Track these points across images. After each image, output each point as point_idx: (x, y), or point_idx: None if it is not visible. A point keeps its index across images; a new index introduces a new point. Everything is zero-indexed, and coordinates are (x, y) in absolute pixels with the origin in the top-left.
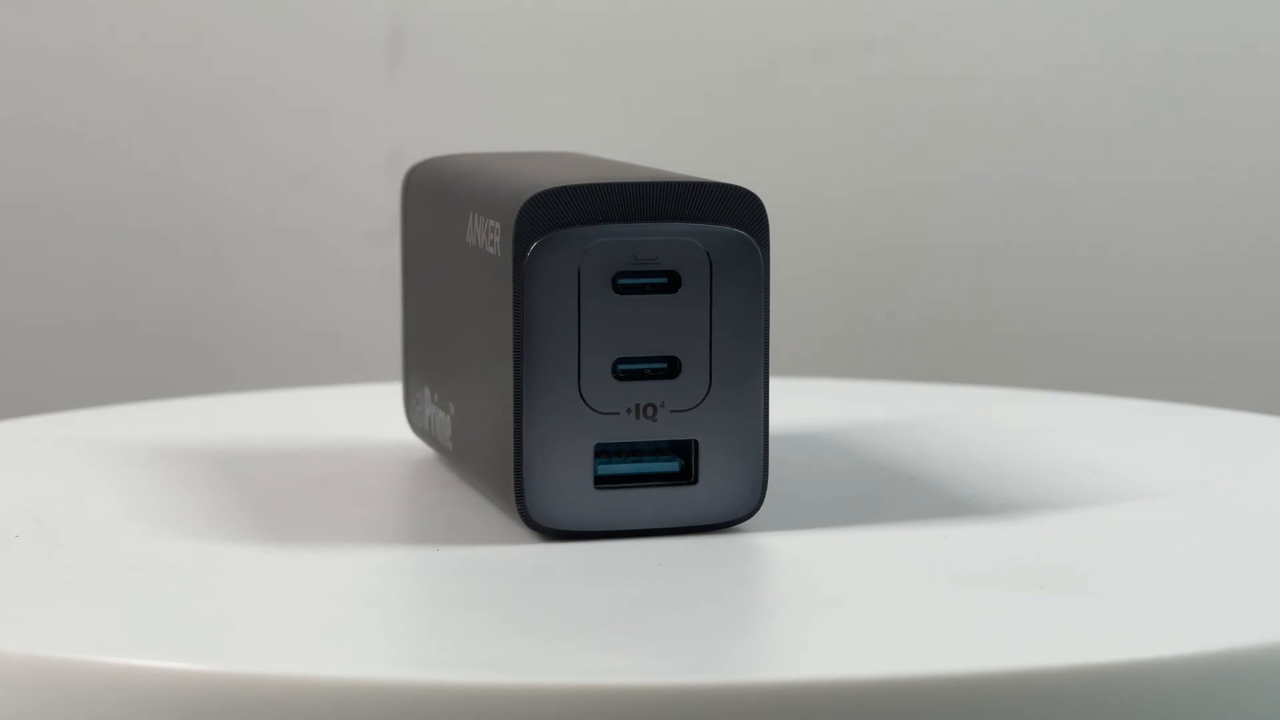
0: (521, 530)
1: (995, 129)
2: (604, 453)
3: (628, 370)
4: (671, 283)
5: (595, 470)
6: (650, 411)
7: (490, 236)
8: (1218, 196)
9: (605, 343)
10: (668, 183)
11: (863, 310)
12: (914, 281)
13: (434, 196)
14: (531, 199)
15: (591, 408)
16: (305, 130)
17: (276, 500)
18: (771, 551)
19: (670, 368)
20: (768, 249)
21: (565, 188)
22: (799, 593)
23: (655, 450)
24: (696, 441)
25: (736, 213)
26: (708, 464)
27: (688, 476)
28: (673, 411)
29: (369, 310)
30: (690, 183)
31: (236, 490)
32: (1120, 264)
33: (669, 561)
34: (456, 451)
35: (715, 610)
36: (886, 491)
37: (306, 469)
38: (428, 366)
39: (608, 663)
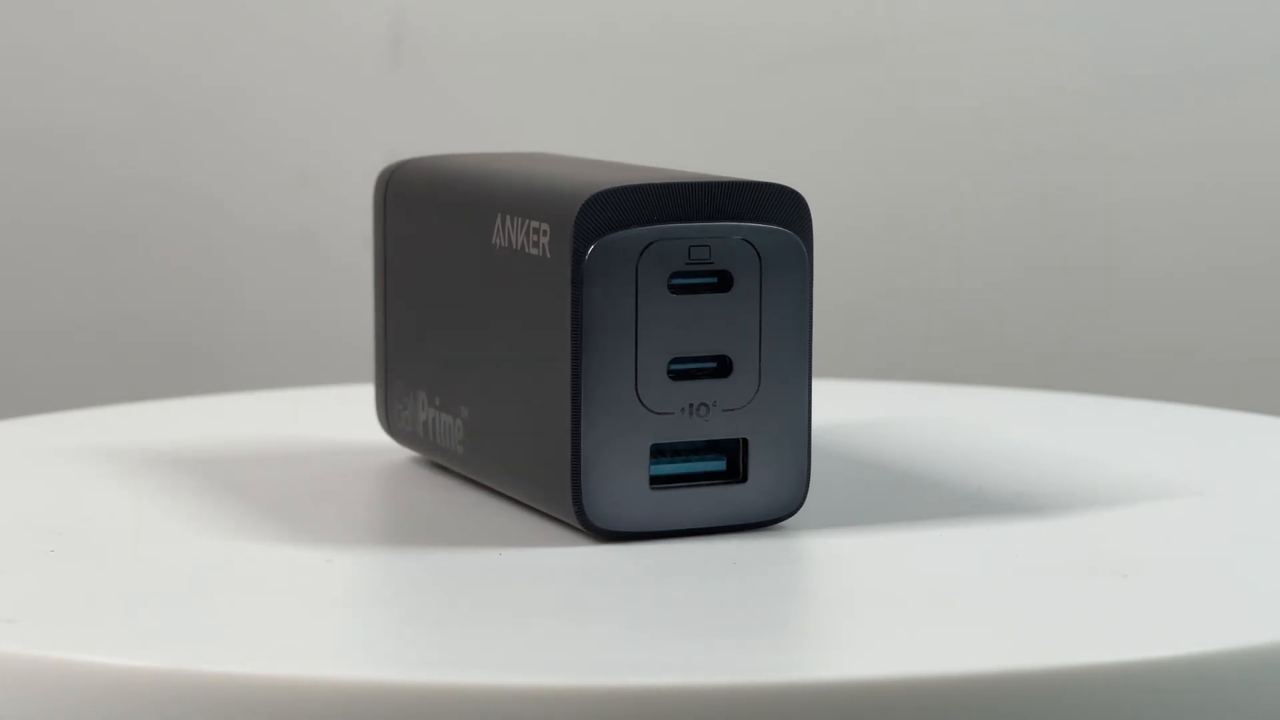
0: (562, 531)
1: (997, 136)
2: (657, 453)
3: (681, 370)
4: (724, 282)
5: (650, 471)
6: (703, 411)
7: (533, 238)
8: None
9: (660, 343)
10: (719, 182)
11: (869, 308)
12: (922, 281)
13: (429, 199)
14: (590, 200)
15: (648, 408)
16: (305, 130)
17: (291, 502)
18: (820, 550)
19: (721, 367)
20: (812, 248)
21: (623, 188)
22: (857, 590)
23: (698, 449)
24: (746, 440)
25: (782, 212)
26: (756, 462)
27: (735, 475)
28: (724, 410)
29: (369, 311)
30: (740, 182)
31: (241, 492)
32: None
33: (727, 560)
34: (469, 456)
35: (783, 608)
36: (924, 489)
37: (311, 470)
38: (422, 371)
39: (694, 661)
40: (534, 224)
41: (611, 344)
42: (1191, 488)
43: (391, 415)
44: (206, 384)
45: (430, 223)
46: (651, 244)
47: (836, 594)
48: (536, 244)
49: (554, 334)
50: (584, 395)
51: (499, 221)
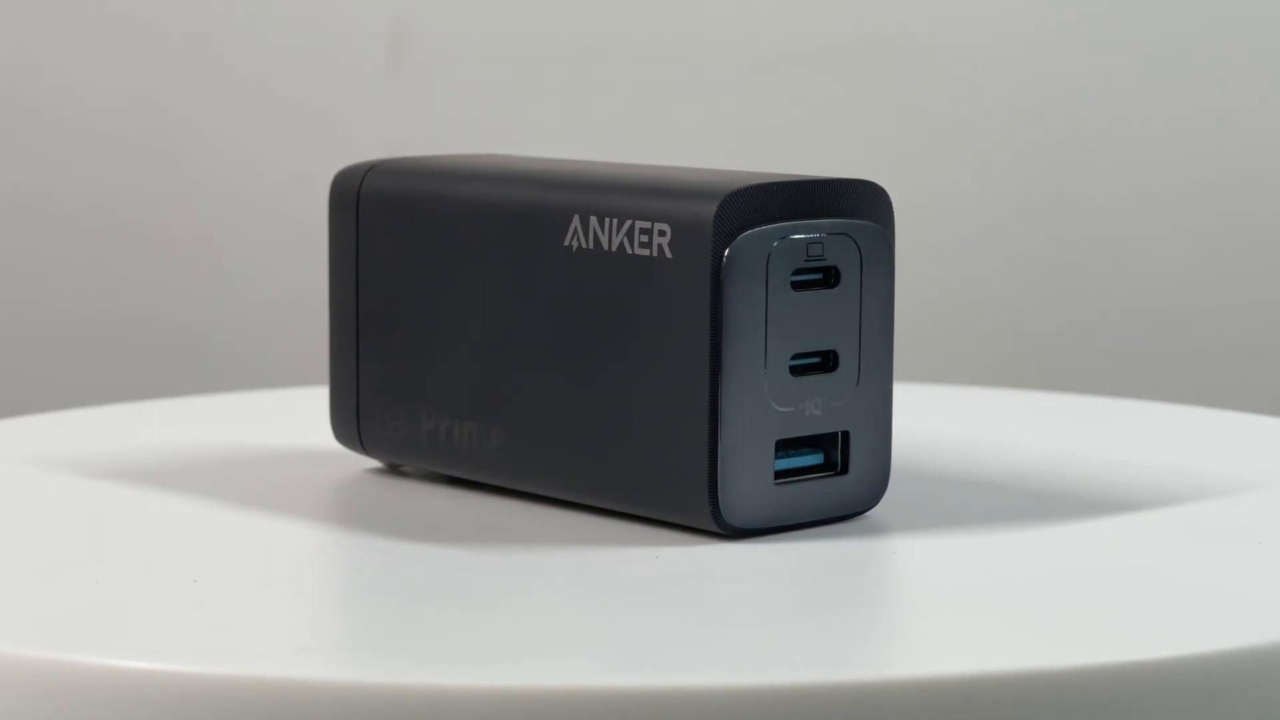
0: (662, 531)
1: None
2: (777, 449)
3: (798, 365)
4: (832, 278)
5: (775, 467)
6: (816, 405)
7: (641, 238)
8: None
9: (784, 340)
10: (825, 180)
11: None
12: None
13: (436, 203)
14: (727, 198)
15: (775, 405)
16: (305, 130)
17: (293, 503)
18: (905, 547)
19: (827, 361)
20: (894, 241)
21: (754, 187)
22: (946, 588)
23: (797, 444)
24: (848, 432)
25: (871, 206)
26: (856, 454)
27: (833, 467)
28: (830, 404)
29: None
30: (839, 180)
31: (243, 492)
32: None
33: (833, 556)
34: (512, 462)
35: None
36: (1004, 491)
37: (317, 472)
38: (430, 380)
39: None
40: (643, 224)
41: (746, 342)
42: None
43: (366, 427)
44: (206, 384)
45: (443, 227)
46: (778, 242)
47: (928, 590)
48: (649, 244)
49: (680, 333)
50: (722, 394)
51: (575, 223)
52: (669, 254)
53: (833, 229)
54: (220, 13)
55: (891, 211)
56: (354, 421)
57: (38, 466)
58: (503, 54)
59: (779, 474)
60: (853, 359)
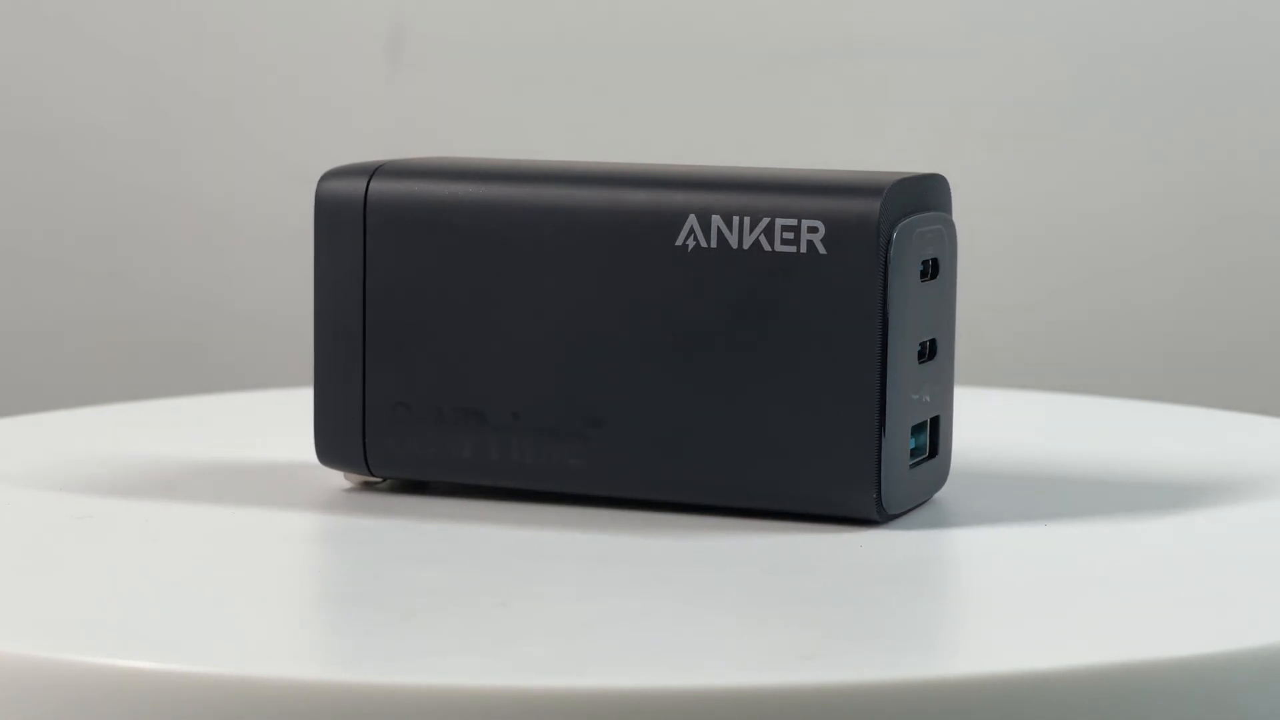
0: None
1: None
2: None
3: (919, 354)
4: (934, 268)
5: (911, 452)
6: (926, 392)
7: (786, 235)
8: None
9: (914, 329)
10: (927, 175)
11: None
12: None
13: (496, 209)
14: (890, 191)
15: (910, 394)
16: (305, 130)
17: (298, 503)
18: (962, 539)
19: (931, 349)
20: None
21: (902, 181)
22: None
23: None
24: (938, 417)
25: (947, 199)
26: (943, 437)
27: (929, 451)
28: (933, 390)
29: None
30: (934, 175)
31: (244, 492)
32: None
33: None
34: (601, 469)
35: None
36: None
37: (319, 472)
38: (480, 394)
39: None
40: (786, 222)
41: (900, 334)
42: None
43: (375, 445)
44: (206, 384)
45: (500, 233)
46: (915, 234)
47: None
48: (794, 241)
49: (843, 327)
50: (888, 385)
51: (692, 223)
52: (822, 250)
53: (936, 221)
54: (220, 12)
55: (951, 201)
56: (357, 440)
57: (38, 466)
58: (503, 53)
59: (913, 458)
60: (946, 347)
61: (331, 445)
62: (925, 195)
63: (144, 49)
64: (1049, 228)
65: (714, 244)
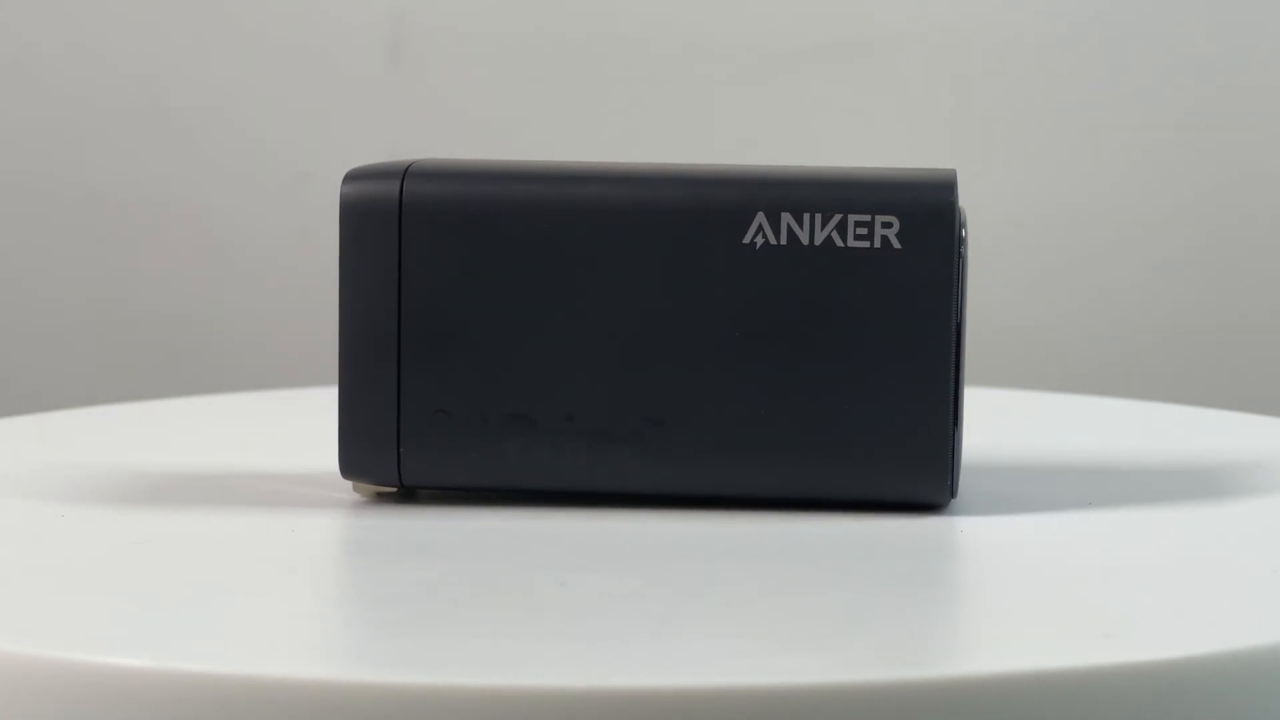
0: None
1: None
2: None
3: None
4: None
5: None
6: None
7: (859, 231)
8: None
9: (958, 317)
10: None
11: None
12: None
13: (550, 210)
14: (953, 188)
15: (958, 380)
16: (304, 131)
17: (300, 503)
18: (980, 534)
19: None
20: None
21: (953, 175)
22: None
23: None
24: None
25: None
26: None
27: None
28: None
29: None
30: (952, 170)
31: (245, 492)
32: None
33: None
34: (664, 468)
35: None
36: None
37: (320, 472)
38: (524, 392)
39: None
40: (859, 218)
41: (959, 323)
42: None
43: (412, 455)
44: (205, 384)
45: (553, 235)
46: (964, 226)
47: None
48: (868, 237)
49: (920, 319)
50: (960, 374)
51: (760, 220)
52: (896, 244)
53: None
54: (220, 12)
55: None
56: (390, 450)
57: (38, 467)
58: (503, 53)
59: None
60: (963, 333)
61: (359, 457)
62: (952, 190)
63: (144, 48)
64: (1049, 228)
65: (784, 241)
